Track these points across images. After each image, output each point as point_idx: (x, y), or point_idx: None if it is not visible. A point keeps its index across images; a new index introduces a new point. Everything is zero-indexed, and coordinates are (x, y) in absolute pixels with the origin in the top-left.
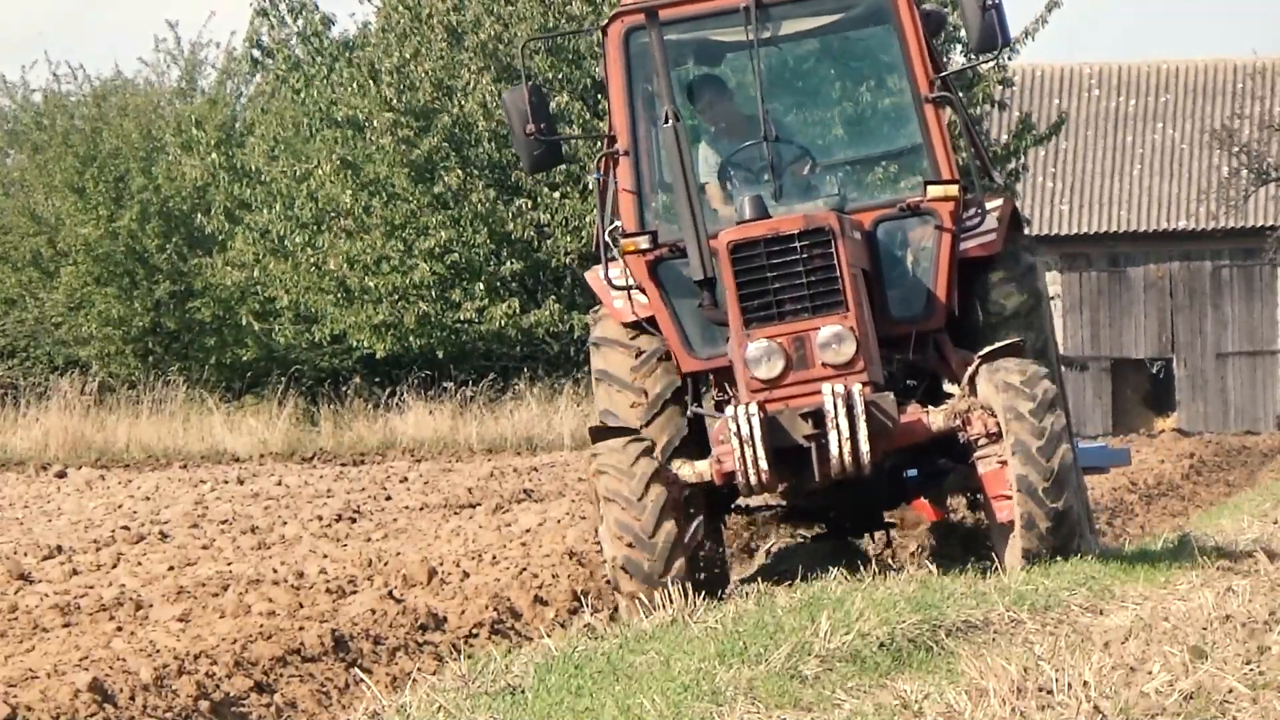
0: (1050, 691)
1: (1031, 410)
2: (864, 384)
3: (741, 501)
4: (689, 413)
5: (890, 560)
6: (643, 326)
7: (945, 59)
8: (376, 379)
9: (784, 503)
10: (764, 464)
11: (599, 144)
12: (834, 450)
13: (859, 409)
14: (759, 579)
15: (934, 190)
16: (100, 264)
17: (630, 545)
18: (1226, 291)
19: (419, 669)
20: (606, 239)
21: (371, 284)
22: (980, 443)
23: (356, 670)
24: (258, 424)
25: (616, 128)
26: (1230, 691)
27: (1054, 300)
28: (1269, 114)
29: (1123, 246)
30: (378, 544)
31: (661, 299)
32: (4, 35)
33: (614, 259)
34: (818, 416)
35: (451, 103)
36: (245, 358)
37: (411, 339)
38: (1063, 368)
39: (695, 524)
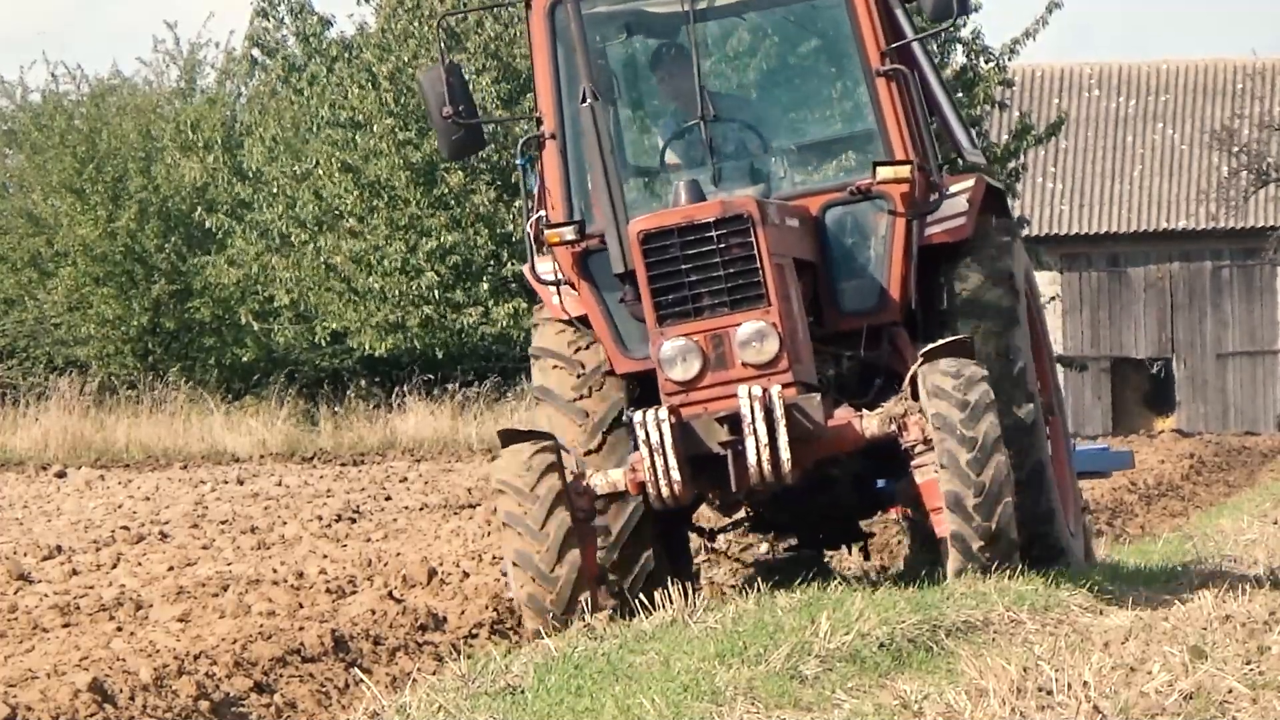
0: (1050, 691)
1: (962, 420)
2: (786, 385)
3: (704, 524)
4: (624, 418)
5: (863, 573)
6: (578, 325)
7: (946, 57)
8: (377, 379)
9: (746, 520)
10: (676, 474)
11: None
12: (751, 458)
13: (778, 413)
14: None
15: (883, 171)
16: (99, 264)
17: (531, 579)
18: (1226, 291)
19: (419, 669)
20: (530, 230)
21: (377, 284)
22: (917, 450)
23: (356, 670)
24: (257, 424)
25: (542, 109)
26: (1230, 691)
27: (1054, 300)
28: (1269, 114)
29: (1123, 246)
30: (378, 544)
31: (593, 295)
32: (3, 35)
33: (544, 252)
34: (734, 421)
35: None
36: (245, 358)
37: (415, 341)
38: (1063, 367)
39: (645, 554)
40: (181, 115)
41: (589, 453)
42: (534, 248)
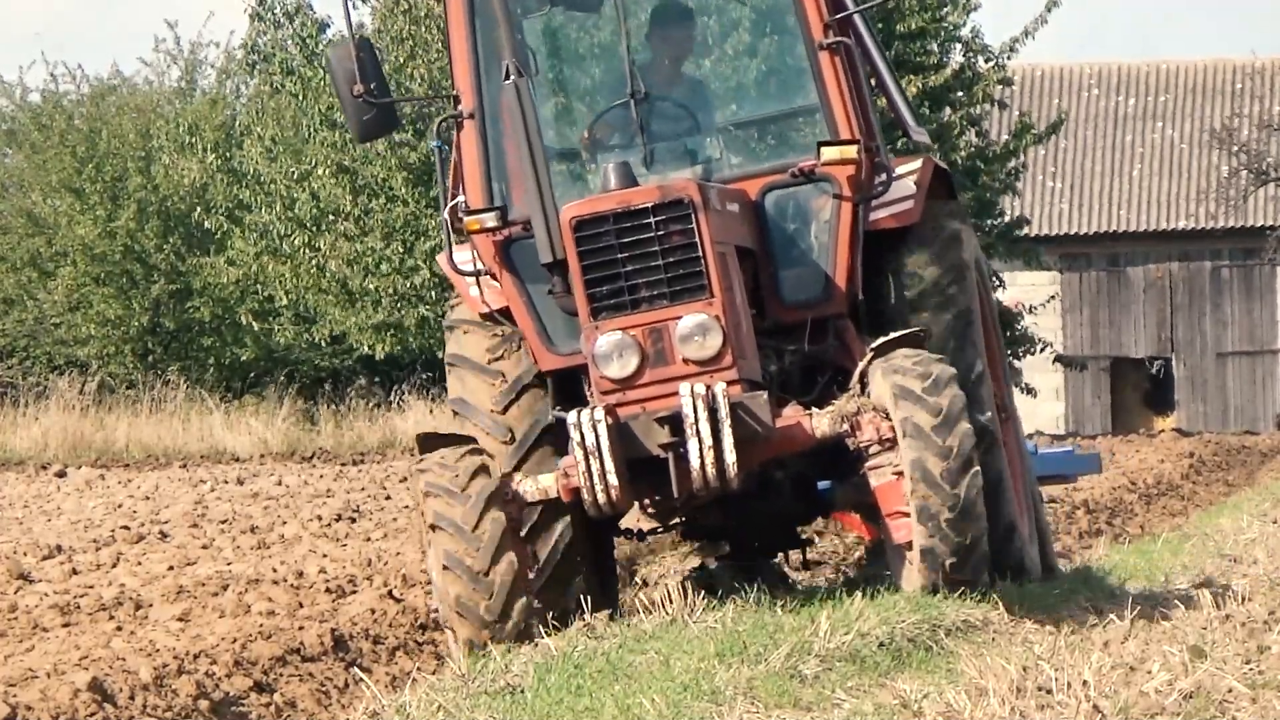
0: (1050, 691)
1: (924, 389)
2: (730, 382)
3: (633, 525)
4: (550, 417)
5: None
6: (497, 319)
7: (945, 57)
8: (377, 378)
9: (678, 525)
10: (613, 479)
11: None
12: (694, 461)
13: (723, 412)
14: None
15: (828, 152)
16: (98, 264)
17: (463, 584)
18: (1226, 291)
19: (419, 668)
20: (447, 217)
21: (372, 285)
22: (872, 450)
23: (356, 670)
24: (257, 424)
25: (459, 86)
26: (1230, 691)
27: (1054, 300)
28: (1268, 113)
29: (1122, 246)
30: (378, 544)
31: (516, 286)
32: (2, 35)
33: (462, 241)
34: (675, 422)
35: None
36: (245, 357)
37: (412, 340)
38: (1063, 367)
39: (575, 580)
40: (180, 116)
41: (509, 472)
42: (451, 236)
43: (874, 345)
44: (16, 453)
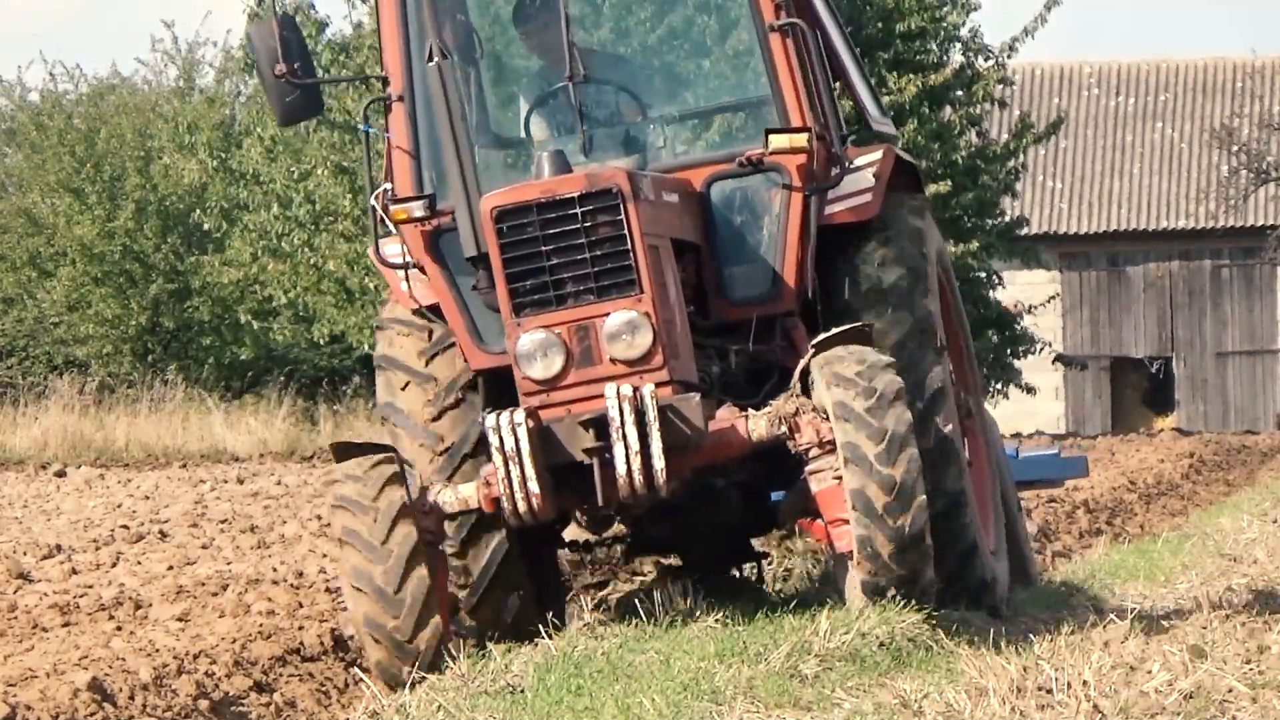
0: (1050, 691)
1: (869, 408)
2: (660, 384)
3: (577, 537)
4: (480, 420)
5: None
6: (427, 315)
7: (944, 56)
8: None
9: (625, 539)
10: (534, 485)
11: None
12: (620, 467)
13: (651, 415)
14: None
15: (777, 140)
16: (97, 263)
17: (372, 601)
18: (1226, 291)
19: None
20: (374, 205)
21: (371, 285)
22: (812, 454)
23: (356, 670)
24: (257, 423)
25: (389, 68)
26: (1230, 691)
27: (1054, 299)
28: (1268, 113)
29: (1122, 246)
30: None
31: (445, 280)
32: (2, 35)
33: (389, 232)
34: (601, 425)
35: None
36: (244, 357)
37: None
38: (1063, 367)
39: (510, 599)
40: (179, 115)
41: (442, 483)
42: (376, 227)
43: (815, 341)
44: (16, 452)
